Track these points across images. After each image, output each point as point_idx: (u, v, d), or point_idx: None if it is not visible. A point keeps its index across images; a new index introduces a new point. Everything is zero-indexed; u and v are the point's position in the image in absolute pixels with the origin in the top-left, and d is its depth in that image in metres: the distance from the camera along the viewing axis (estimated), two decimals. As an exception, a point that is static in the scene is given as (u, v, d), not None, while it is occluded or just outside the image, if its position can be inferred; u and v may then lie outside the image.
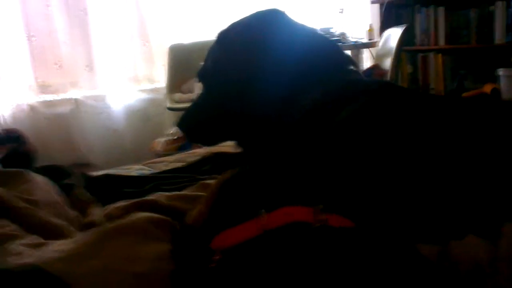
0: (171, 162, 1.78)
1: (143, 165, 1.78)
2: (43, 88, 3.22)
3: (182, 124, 1.17)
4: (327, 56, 1.04)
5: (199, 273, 0.66)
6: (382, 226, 0.70)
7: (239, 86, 1.00)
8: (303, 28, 1.07)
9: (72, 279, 0.74)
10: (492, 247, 0.66)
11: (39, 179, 1.19)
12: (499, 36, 3.47)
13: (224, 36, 1.06)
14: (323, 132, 0.84)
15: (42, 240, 0.91)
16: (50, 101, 3.22)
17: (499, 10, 3.44)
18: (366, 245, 0.60)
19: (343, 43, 3.69)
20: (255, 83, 0.98)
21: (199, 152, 1.72)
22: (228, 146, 1.39)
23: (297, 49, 1.00)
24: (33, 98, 3.17)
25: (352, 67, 1.06)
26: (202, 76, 1.09)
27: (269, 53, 0.99)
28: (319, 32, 1.14)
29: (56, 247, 0.84)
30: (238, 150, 1.10)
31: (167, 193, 1.29)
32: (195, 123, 1.13)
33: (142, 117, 3.43)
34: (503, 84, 3.45)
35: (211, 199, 0.83)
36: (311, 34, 1.08)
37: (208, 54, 1.08)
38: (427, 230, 0.73)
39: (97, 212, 1.20)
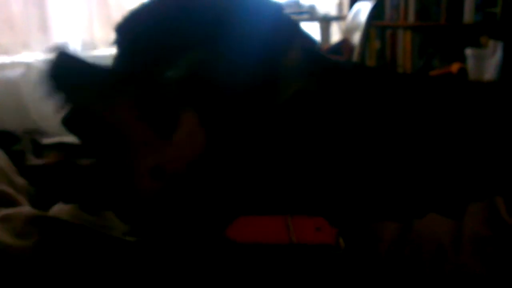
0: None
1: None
2: (-8, 48, 3.01)
3: None
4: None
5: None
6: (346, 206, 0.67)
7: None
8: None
9: None
10: (455, 226, 0.66)
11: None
12: (468, 14, 3.45)
13: None
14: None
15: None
16: (0, 63, 3.00)
17: (469, -12, 3.41)
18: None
19: (312, 16, 3.65)
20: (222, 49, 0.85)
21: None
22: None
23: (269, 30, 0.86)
24: (-20, 59, 2.96)
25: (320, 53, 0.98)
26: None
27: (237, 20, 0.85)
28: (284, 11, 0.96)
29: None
30: None
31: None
32: None
33: (100, 84, 3.27)
34: (470, 64, 3.44)
35: None
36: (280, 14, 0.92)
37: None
38: (391, 209, 0.70)
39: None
